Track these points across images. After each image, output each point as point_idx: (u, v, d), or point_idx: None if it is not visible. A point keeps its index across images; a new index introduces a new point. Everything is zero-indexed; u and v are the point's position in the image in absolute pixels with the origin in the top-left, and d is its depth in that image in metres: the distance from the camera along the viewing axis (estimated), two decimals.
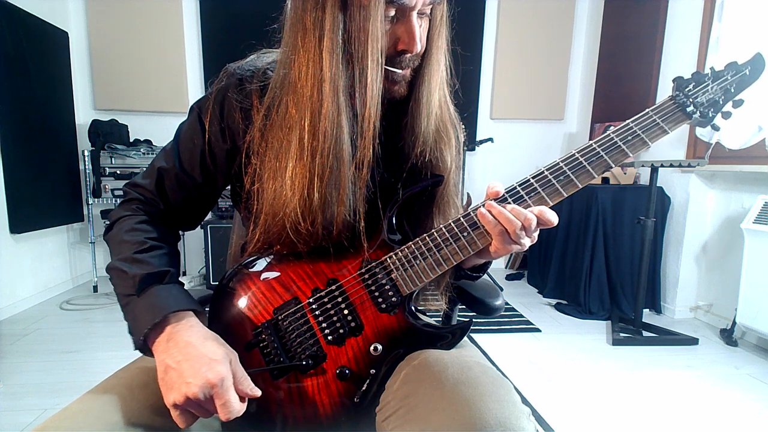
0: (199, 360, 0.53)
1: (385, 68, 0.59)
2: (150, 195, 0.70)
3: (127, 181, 0.73)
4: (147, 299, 0.58)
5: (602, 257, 2.75)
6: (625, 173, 2.89)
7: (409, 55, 0.61)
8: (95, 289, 3.03)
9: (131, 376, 0.60)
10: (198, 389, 0.51)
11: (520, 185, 0.61)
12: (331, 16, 0.56)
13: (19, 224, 2.58)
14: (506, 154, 3.61)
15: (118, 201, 3.15)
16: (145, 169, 0.72)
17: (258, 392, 0.56)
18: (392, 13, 0.58)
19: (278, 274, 0.66)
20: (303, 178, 0.59)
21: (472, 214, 0.61)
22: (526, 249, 0.59)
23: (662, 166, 2.26)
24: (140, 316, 0.57)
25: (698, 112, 0.62)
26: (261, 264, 0.67)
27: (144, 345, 0.57)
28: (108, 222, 0.69)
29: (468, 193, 3.48)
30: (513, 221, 0.56)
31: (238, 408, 0.53)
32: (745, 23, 2.24)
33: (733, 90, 0.62)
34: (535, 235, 0.59)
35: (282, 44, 0.63)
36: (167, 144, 0.72)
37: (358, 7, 0.56)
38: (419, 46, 0.60)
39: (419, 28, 0.59)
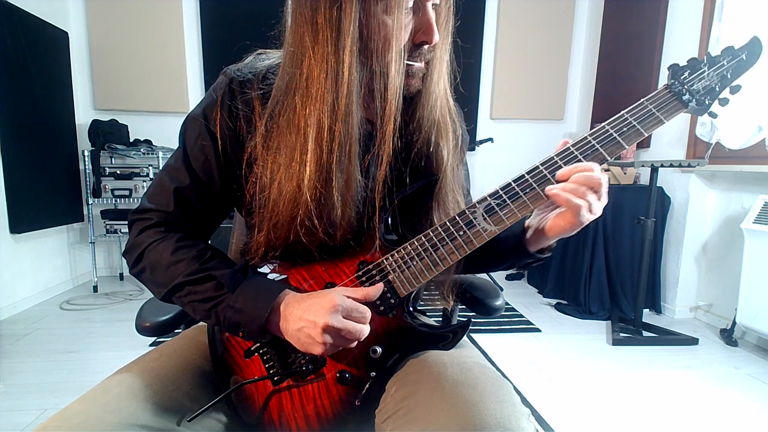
0: (315, 303, 0.56)
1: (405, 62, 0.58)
2: (172, 217, 0.66)
3: (133, 210, 0.68)
4: (246, 290, 0.59)
5: (602, 257, 2.75)
6: (625, 173, 2.89)
7: (426, 46, 0.60)
8: (95, 289, 3.03)
9: (131, 376, 0.60)
10: (328, 316, 0.54)
11: (515, 181, 0.60)
12: (348, 12, 0.54)
13: (19, 224, 2.58)
14: (506, 154, 3.60)
15: (119, 201, 3.13)
16: (147, 192, 0.68)
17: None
18: (410, 4, 0.57)
19: (276, 279, 0.65)
20: (315, 179, 0.58)
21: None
22: (596, 216, 0.58)
23: (662, 166, 2.26)
24: (249, 306, 0.58)
25: (694, 99, 0.60)
26: (260, 269, 0.67)
27: (263, 328, 0.58)
28: (131, 255, 0.65)
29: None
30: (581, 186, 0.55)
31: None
32: (745, 23, 2.24)
33: (729, 76, 0.61)
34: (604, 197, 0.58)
35: (287, 45, 0.60)
36: (170, 163, 0.68)
37: (376, 0, 0.54)
38: (437, 37, 0.59)
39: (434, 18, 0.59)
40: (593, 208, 0.57)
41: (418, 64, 0.61)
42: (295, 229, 0.59)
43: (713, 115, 0.63)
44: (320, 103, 0.57)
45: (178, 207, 0.66)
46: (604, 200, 0.58)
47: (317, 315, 0.54)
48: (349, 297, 0.58)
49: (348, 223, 0.61)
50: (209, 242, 0.71)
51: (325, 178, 0.58)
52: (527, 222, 0.68)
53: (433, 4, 0.59)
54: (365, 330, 0.56)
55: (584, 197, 0.56)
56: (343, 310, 0.55)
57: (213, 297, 0.60)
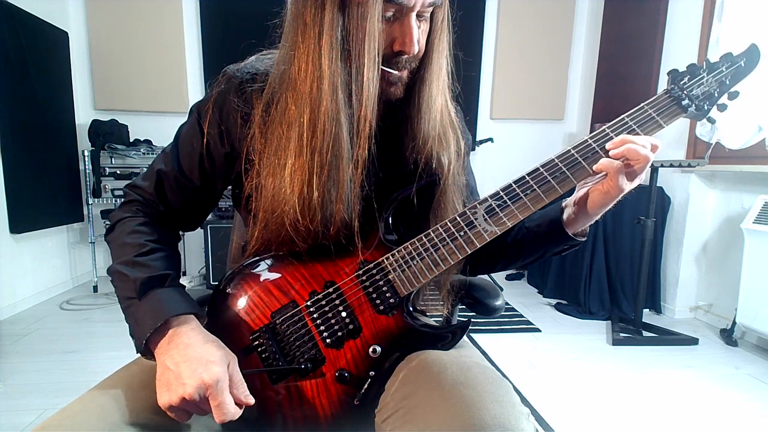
0: (196, 361, 0.53)
1: (381, 68, 0.59)
2: (149, 197, 0.70)
3: (127, 182, 0.73)
4: (148, 303, 0.59)
5: (602, 257, 2.75)
6: None
7: (406, 56, 0.60)
8: (95, 289, 3.03)
9: (131, 376, 0.60)
10: (193, 389, 0.51)
11: (516, 183, 0.60)
12: (330, 13, 0.56)
13: (19, 224, 2.58)
14: (506, 154, 3.61)
15: (119, 201, 3.16)
16: (145, 170, 0.72)
17: (251, 400, 0.56)
18: (390, 12, 0.57)
19: (275, 277, 0.65)
20: (302, 175, 0.59)
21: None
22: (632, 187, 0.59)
23: (662, 166, 2.26)
24: (142, 320, 0.58)
25: (693, 105, 0.61)
26: (259, 267, 0.67)
27: (146, 348, 0.57)
28: (109, 223, 0.70)
29: None
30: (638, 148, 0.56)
31: (233, 411, 0.53)
32: (745, 23, 2.24)
33: (728, 82, 0.62)
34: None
35: (282, 40, 0.63)
36: (167, 146, 0.72)
37: (356, 4, 0.55)
38: (416, 48, 0.59)
39: (417, 30, 0.59)
40: (634, 174, 0.58)
41: (397, 73, 0.62)
42: (284, 227, 0.61)
43: (711, 121, 0.65)
44: (307, 102, 0.58)
45: (156, 188, 0.70)
46: (643, 174, 0.59)
47: (190, 377, 0.52)
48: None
49: (341, 221, 0.61)
50: (178, 233, 0.74)
51: (308, 179, 0.59)
52: (564, 203, 0.68)
53: (419, 15, 0.59)
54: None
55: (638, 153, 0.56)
56: (213, 391, 0.52)
57: (127, 297, 0.60)
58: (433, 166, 0.67)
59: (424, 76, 0.64)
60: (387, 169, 0.66)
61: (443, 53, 0.64)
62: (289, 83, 0.60)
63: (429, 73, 0.64)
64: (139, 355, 0.66)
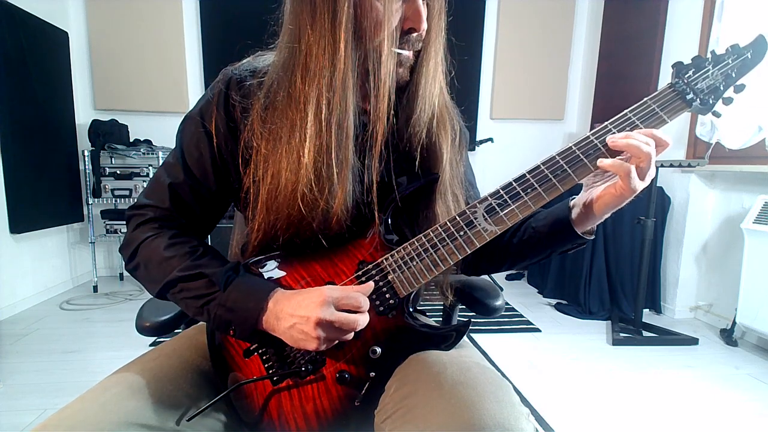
0: (307, 295, 0.56)
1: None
2: (166, 213, 0.67)
3: (130, 206, 0.69)
4: (237, 289, 0.59)
5: (602, 257, 2.75)
6: None
7: (414, 34, 0.61)
8: (95, 289, 3.03)
9: (131, 376, 0.60)
10: (327, 294, 0.55)
11: (516, 181, 0.60)
12: None
13: (19, 224, 2.58)
14: (506, 154, 3.60)
15: (119, 201, 3.13)
16: (145, 188, 0.70)
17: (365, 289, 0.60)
18: None
19: (277, 276, 0.65)
20: (315, 150, 0.59)
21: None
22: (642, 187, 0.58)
23: (662, 166, 2.26)
24: (240, 305, 0.58)
25: (698, 99, 0.60)
26: (260, 267, 0.66)
27: (254, 328, 0.58)
28: (126, 251, 0.66)
29: None
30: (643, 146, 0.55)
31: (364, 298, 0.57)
32: (745, 23, 2.23)
33: (734, 75, 0.60)
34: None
35: (285, 25, 0.62)
36: (168, 157, 0.70)
37: None
38: (425, 24, 0.61)
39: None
40: (642, 171, 0.57)
41: (406, 53, 0.62)
42: (296, 205, 0.60)
43: (717, 115, 0.62)
44: (319, 78, 0.58)
45: (173, 202, 0.67)
46: (652, 171, 0.58)
47: (308, 310, 0.54)
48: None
49: (345, 201, 0.61)
50: (206, 240, 0.71)
51: (325, 151, 0.59)
52: (572, 202, 0.68)
53: None
54: (361, 319, 0.56)
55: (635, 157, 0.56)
56: (335, 300, 0.55)
57: (205, 294, 0.60)
58: (431, 150, 0.67)
59: (423, 57, 0.65)
60: (389, 147, 0.66)
61: (439, 36, 0.65)
62: (297, 64, 0.60)
63: (428, 54, 0.65)
64: (139, 354, 0.66)
